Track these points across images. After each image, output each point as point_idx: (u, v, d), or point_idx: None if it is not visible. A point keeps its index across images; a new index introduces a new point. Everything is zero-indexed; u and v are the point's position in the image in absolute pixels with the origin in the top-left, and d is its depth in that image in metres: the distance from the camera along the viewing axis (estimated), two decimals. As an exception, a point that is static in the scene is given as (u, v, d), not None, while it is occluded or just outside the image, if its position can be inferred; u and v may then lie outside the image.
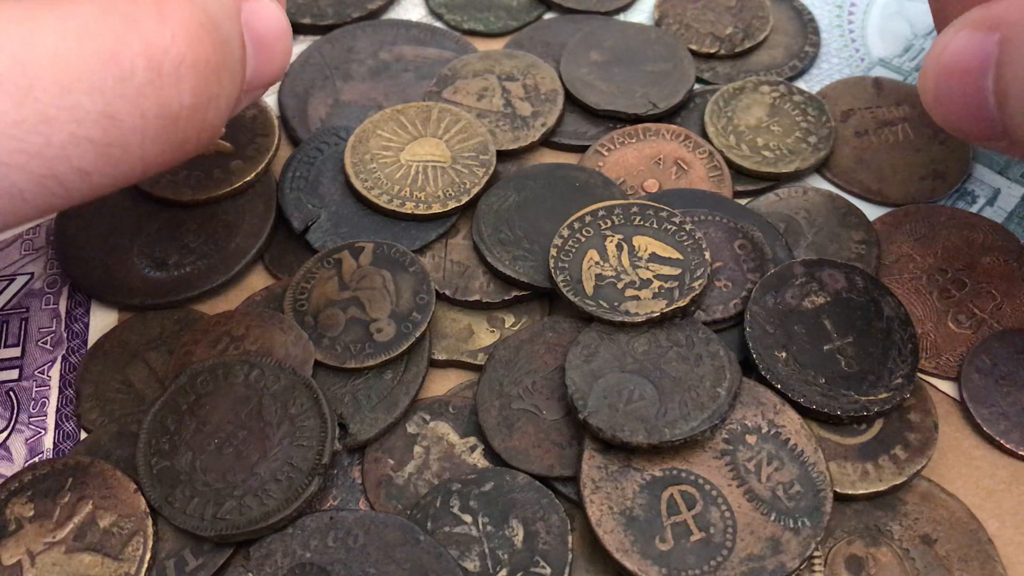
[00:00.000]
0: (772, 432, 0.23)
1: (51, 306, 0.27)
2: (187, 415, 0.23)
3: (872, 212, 0.29)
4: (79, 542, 0.22)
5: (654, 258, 0.25)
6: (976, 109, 0.20)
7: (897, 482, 0.23)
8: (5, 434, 0.25)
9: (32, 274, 0.28)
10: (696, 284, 0.24)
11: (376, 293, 0.26)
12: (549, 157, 0.31)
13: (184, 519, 0.22)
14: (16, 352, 0.26)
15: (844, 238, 0.28)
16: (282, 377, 0.24)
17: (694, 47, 0.33)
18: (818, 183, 0.30)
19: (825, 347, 0.24)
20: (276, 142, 0.29)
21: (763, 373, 0.24)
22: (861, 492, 0.23)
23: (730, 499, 0.22)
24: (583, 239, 0.25)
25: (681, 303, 0.24)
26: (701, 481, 0.22)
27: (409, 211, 0.27)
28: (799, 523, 0.22)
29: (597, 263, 0.25)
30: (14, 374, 0.26)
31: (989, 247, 0.28)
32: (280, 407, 0.23)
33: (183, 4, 0.18)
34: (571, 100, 0.32)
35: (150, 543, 0.22)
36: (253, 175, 0.28)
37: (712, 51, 0.33)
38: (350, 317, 0.25)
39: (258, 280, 0.28)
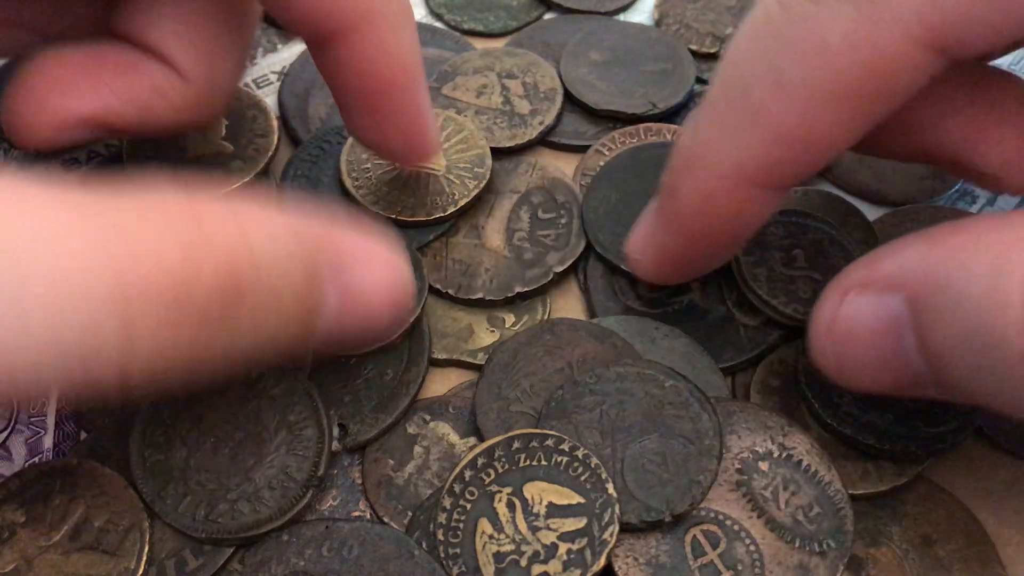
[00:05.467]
0: (784, 455, 0.23)
1: (51, 306, 0.27)
2: (184, 409, 0.23)
3: (872, 212, 0.29)
4: (75, 542, 0.22)
5: (553, 511, 0.21)
6: (896, 370, 0.19)
7: (898, 483, 0.23)
8: (5, 434, 0.25)
9: (32, 274, 0.28)
10: (608, 535, 0.21)
11: None
12: (548, 157, 0.31)
13: (176, 517, 0.22)
14: (16, 352, 0.26)
15: (844, 239, 0.28)
16: (283, 381, 0.24)
17: (694, 47, 0.33)
18: (818, 183, 0.30)
19: None
20: (276, 142, 0.29)
21: (828, 421, 0.23)
22: (861, 492, 0.23)
23: (753, 532, 0.22)
24: (469, 505, 0.22)
25: (597, 567, 0.21)
26: (721, 517, 0.22)
27: (393, 216, 0.28)
28: (824, 545, 0.21)
29: (492, 537, 0.21)
30: (14, 374, 0.26)
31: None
32: (279, 413, 0.23)
33: (225, 237, 0.16)
34: (571, 100, 0.31)
35: (147, 536, 0.22)
36: (253, 175, 0.28)
37: (712, 51, 0.33)
38: None
39: (258, 280, 0.28)
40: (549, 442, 0.22)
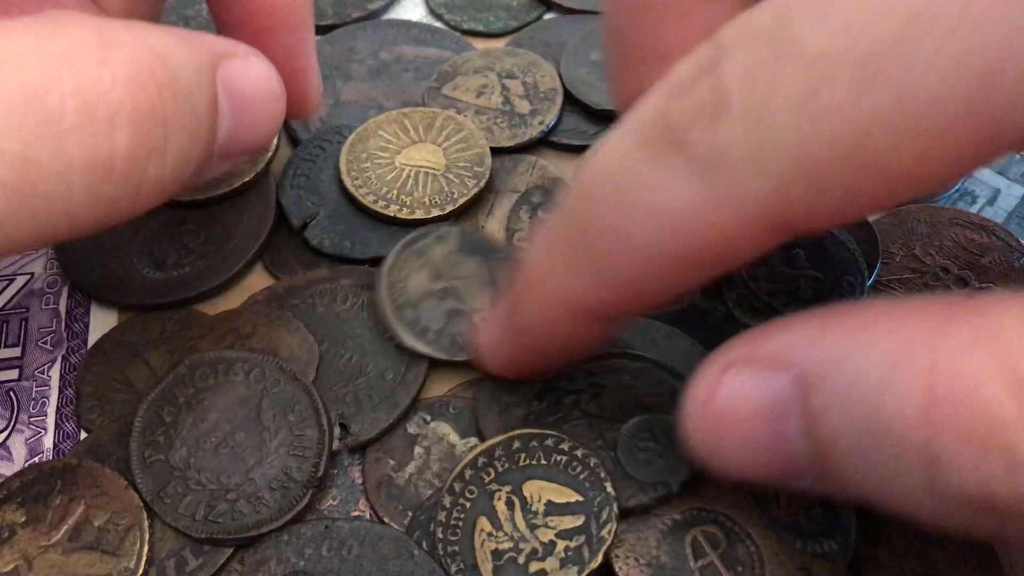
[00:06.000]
0: None
1: (51, 306, 0.27)
2: (184, 408, 0.23)
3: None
4: (75, 542, 0.22)
5: (551, 508, 0.22)
6: (775, 457, 0.18)
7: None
8: (5, 434, 0.25)
9: (32, 274, 0.28)
10: (606, 532, 0.21)
11: (472, 282, 0.26)
12: (548, 156, 0.31)
13: (176, 517, 0.22)
14: (16, 352, 0.26)
15: (844, 238, 0.28)
16: (283, 381, 0.24)
17: (694, 47, 0.33)
18: (818, 183, 0.30)
19: None
20: (276, 142, 0.29)
21: None
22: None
23: (753, 532, 0.22)
24: (468, 504, 0.22)
25: (594, 564, 0.21)
26: (722, 518, 0.22)
27: (392, 214, 0.28)
28: (826, 546, 0.21)
29: (491, 535, 0.21)
30: (14, 374, 0.26)
31: (989, 247, 0.28)
32: (280, 413, 0.23)
33: (133, 46, 0.17)
34: (571, 100, 0.32)
35: (147, 536, 0.22)
36: (253, 175, 0.28)
37: (712, 51, 0.33)
38: (449, 309, 0.25)
39: (258, 280, 0.28)
40: (549, 442, 0.22)
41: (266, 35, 0.24)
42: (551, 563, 0.21)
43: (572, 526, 0.21)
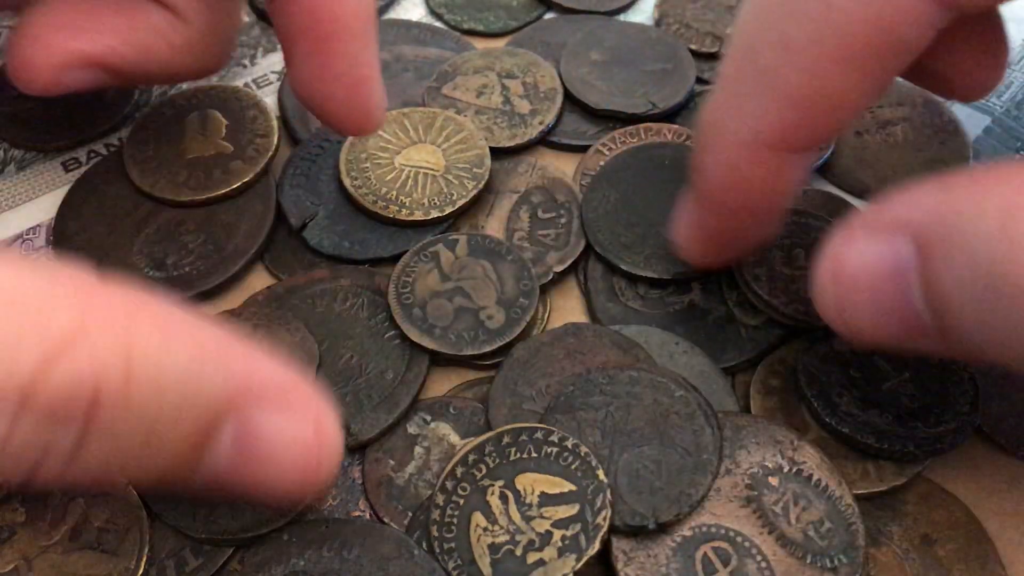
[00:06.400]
0: (794, 470, 0.22)
1: (51, 306, 0.27)
2: None
3: (872, 212, 0.29)
4: (75, 542, 0.22)
5: (545, 500, 0.22)
6: (900, 317, 0.18)
7: (897, 483, 0.23)
8: (5, 434, 0.24)
9: (32, 274, 0.28)
10: (601, 519, 0.21)
11: (479, 282, 0.26)
12: (548, 156, 0.31)
13: (176, 517, 0.22)
14: (16, 352, 0.26)
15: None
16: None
17: (694, 47, 0.33)
18: (818, 183, 0.30)
19: (884, 386, 0.24)
20: (276, 142, 0.29)
21: (827, 420, 0.23)
22: (862, 492, 0.23)
23: (763, 548, 0.21)
24: (461, 501, 0.22)
25: (592, 551, 0.21)
26: (732, 534, 0.22)
27: (391, 215, 0.28)
28: (836, 561, 0.21)
29: (486, 529, 0.21)
30: (14, 374, 0.26)
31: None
32: None
33: (106, 334, 0.14)
34: (571, 100, 0.31)
35: (147, 537, 0.22)
36: (253, 175, 0.28)
37: (712, 51, 0.33)
38: (457, 307, 0.26)
39: (258, 280, 0.28)
40: (538, 435, 0.22)
41: (329, 43, 0.24)
42: (549, 552, 0.21)
43: (567, 515, 0.21)
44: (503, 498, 0.22)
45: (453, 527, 0.22)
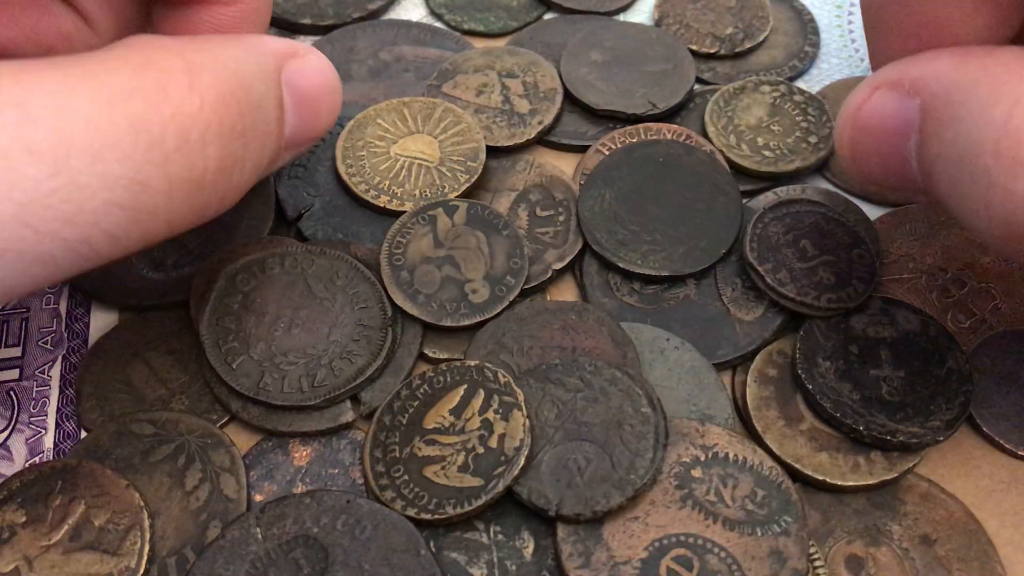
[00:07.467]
0: (710, 455, 0.23)
1: (51, 306, 0.27)
2: (242, 312, 0.25)
3: (872, 212, 0.29)
4: (75, 542, 0.22)
5: (455, 411, 0.23)
6: (896, 168, 0.21)
7: (887, 477, 0.23)
8: (5, 434, 0.25)
9: (32, 274, 0.28)
10: (501, 376, 0.23)
11: (471, 253, 0.26)
12: (548, 156, 0.31)
13: (285, 398, 0.23)
14: (16, 352, 0.26)
15: (837, 215, 0.28)
16: (315, 258, 0.26)
17: (694, 47, 0.33)
18: (818, 183, 0.30)
19: (872, 371, 0.24)
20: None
21: (799, 371, 0.24)
22: (850, 484, 0.23)
23: (716, 539, 0.22)
24: (399, 480, 0.23)
25: (520, 399, 0.23)
26: (684, 537, 0.22)
27: (382, 204, 0.28)
28: (783, 524, 0.22)
29: (443, 468, 0.23)
30: (14, 374, 0.26)
31: (988, 247, 0.28)
32: (327, 282, 0.25)
33: (214, 70, 0.18)
34: (571, 100, 0.32)
35: (147, 536, 0.22)
36: (253, 175, 0.28)
37: (712, 51, 0.33)
38: (445, 276, 0.26)
39: (258, 280, 0.28)
40: (418, 380, 0.24)
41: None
42: (499, 426, 0.22)
43: (480, 403, 0.23)
44: (430, 443, 0.23)
45: (412, 485, 0.22)
